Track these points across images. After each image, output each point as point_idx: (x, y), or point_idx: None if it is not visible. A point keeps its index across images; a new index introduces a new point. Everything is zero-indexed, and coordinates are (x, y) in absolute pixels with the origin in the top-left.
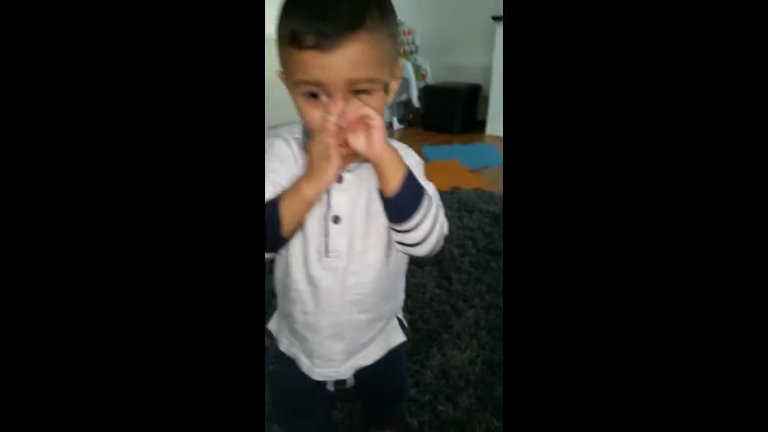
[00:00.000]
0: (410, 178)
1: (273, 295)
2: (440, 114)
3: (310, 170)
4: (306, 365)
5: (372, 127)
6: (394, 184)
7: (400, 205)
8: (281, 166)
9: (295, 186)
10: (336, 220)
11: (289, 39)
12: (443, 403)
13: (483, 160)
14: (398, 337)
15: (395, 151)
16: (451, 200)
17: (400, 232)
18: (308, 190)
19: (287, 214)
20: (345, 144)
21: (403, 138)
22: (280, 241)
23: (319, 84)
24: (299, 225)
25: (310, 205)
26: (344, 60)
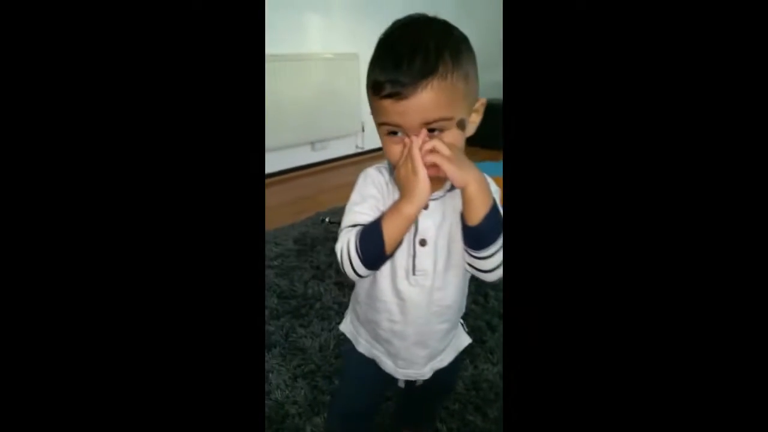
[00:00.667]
0: (494, 210)
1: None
2: (485, 129)
3: (404, 191)
4: (389, 366)
5: (440, 166)
6: (479, 215)
7: (481, 234)
8: (378, 192)
9: (395, 207)
10: (423, 243)
11: (371, 88)
12: (472, 413)
13: None
14: (465, 340)
15: (486, 183)
16: None
17: (474, 257)
18: (408, 208)
19: (390, 234)
20: (432, 166)
21: None
22: (382, 259)
23: (397, 125)
24: (399, 243)
25: (410, 222)
26: (417, 106)
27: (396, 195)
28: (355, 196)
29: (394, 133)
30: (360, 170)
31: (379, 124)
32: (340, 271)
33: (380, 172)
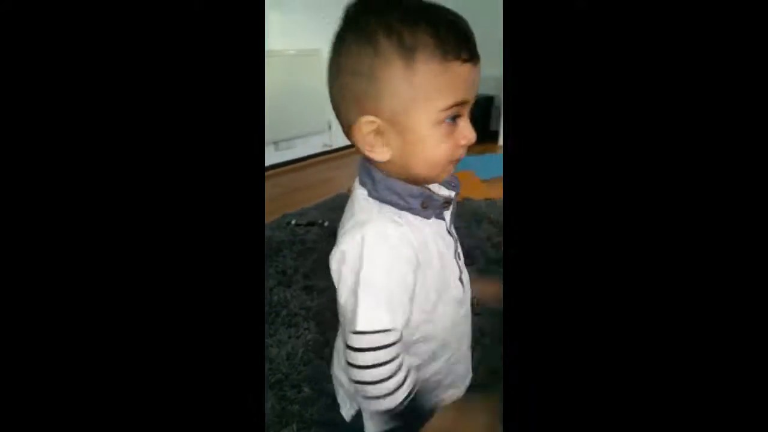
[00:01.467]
0: None
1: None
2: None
3: None
4: (459, 391)
5: None
6: None
7: None
8: (417, 254)
9: None
10: (460, 255)
11: (444, 55)
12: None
13: (495, 171)
14: None
15: None
16: (462, 211)
17: None
18: None
19: None
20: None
21: None
22: None
23: (466, 102)
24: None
25: None
26: (479, 73)
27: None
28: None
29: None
30: (329, 169)
31: (445, 109)
32: (307, 275)
33: (391, 222)
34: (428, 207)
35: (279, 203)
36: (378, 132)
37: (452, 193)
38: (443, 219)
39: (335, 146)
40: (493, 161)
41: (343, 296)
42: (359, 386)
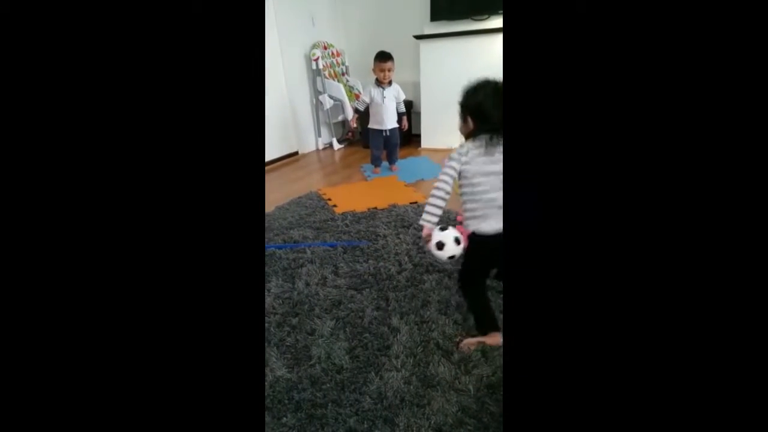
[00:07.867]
0: None
1: None
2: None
3: None
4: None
5: None
6: None
7: None
8: None
9: None
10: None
11: None
12: (381, 427)
13: (418, 174)
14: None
15: None
16: (389, 218)
17: None
18: None
19: None
20: None
21: (345, 157)
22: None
23: None
24: None
25: None
26: None
27: None
28: None
29: None
30: None
31: None
32: None
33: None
34: None
35: None
36: None
37: None
38: None
39: None
40: (416, 164)
41: None
42: None
